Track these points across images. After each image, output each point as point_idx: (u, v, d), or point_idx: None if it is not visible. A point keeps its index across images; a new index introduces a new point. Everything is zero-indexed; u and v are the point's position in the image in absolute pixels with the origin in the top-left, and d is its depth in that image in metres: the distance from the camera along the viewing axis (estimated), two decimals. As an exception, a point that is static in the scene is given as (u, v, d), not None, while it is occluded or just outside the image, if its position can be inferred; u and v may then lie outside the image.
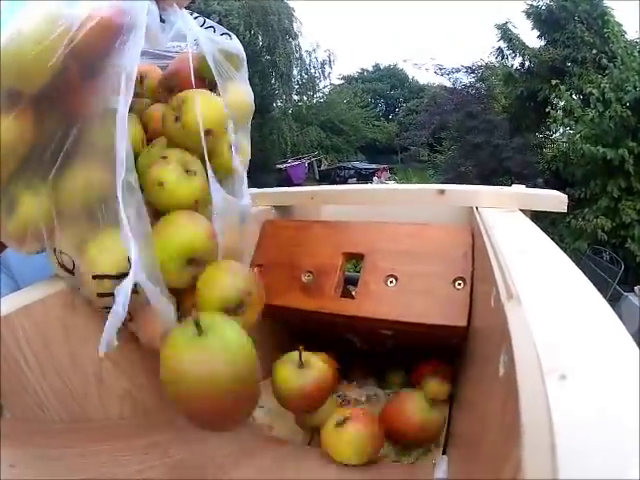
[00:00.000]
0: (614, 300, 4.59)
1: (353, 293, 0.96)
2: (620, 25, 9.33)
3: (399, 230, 0.96)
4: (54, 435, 0.66)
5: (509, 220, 0.86)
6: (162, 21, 0.69)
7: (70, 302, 0.70)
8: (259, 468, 0.75)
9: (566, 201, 0.95)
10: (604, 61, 8.16)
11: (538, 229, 0.77)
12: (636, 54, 8.30)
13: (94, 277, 0.64)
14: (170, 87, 0.79)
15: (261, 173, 12.13)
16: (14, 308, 0.64)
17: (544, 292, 0.46)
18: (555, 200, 0.96)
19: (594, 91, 7.47)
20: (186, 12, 0.75)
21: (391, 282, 0.90)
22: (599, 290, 0.44)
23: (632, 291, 4.40)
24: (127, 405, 0.78)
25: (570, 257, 0.56)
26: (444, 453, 0.79)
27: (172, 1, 0.71)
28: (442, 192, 1.01)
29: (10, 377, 0.63)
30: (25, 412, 0.65)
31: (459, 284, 0.86)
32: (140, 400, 0.80)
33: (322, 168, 20.83)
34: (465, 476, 0.57)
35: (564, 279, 0.51)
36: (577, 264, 0.53)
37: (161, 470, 0.67)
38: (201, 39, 0.75)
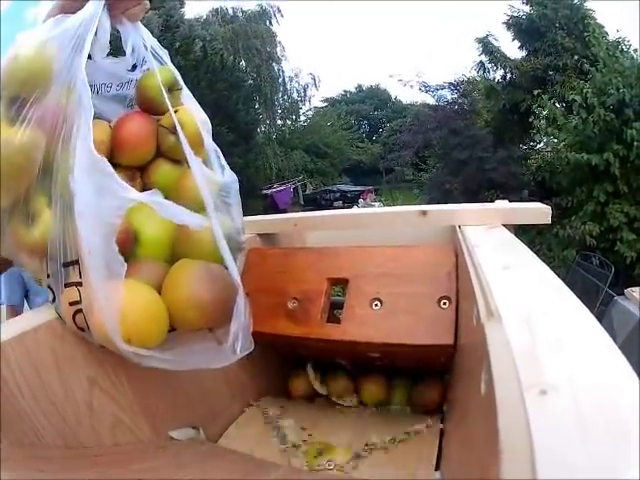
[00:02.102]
0: (606, 304, 4.59)
1: (340, 317, 0.96)
2: (601, 27, 9.42)
3: (383, 253, 0.97)
4: (49, 461, 0.66)
5: (492, 237, 0.86)
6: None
7: (60, 331, 0.71)
8: None
9: (550, 212, 0.95)
10: (586, 66, 8.20)
11: (521, 244, 0.77)
12: (618, 54, 8.38)
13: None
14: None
15: (246, 199, 12.04)
16: (7, 337, 0.65)
17: (525, 308, 0.46)
18: (538, 212, 0.96)
19: (576, 97, 7.53)
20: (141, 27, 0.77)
21: (376, 305, 0.90)
22: (590, 296, 0.44)
23: (622, 294, 4.39)
24: (120, 432, 0.78)
25: (559, 266, 0.56)
26: (437, 469, 0.78)
27: (122, 15, 0.73)
28: (424, 213, 1.01)
29: (5, 404, 0.63)
30: (21, 439, 0.65)
31: (444, 303, 0.86)
32: (132, 427, 0.80)
33: (307, 192, 20.88)
34: None
35: (547, 294, 0.51)
36: (566, 272, 0.53)
37: None
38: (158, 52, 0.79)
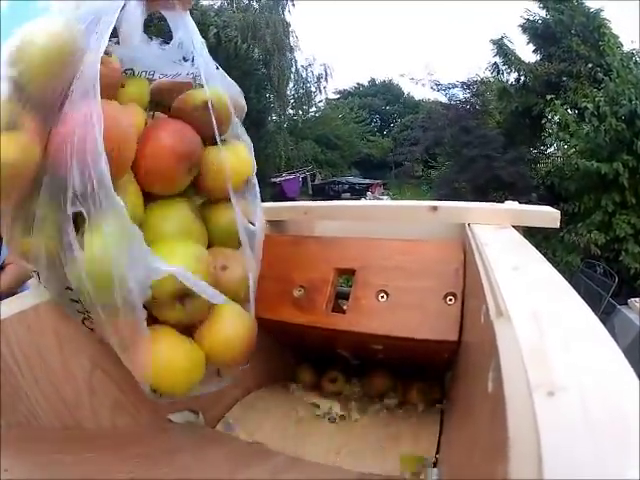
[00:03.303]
0: (608, 313, 4.58)
1: (345, 308, 0.96)
2: (616, 37, 9.30)
3: (391, 246, 0.96)
4: (47, 443, 0.66)
5: (501, 236, 0.86)
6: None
7: (63, 311, 0.71)
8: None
9: (559, 217, 0.95)
10: (599, 75, 8.13)
11: (530, 245, 0.77)
12: (632, 66, 8.32)
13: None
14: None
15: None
16: (7, 314, 0.65)
17: (534, 309, 0.46)
18: (548, 216, 0.96)
19: (589, 105, 7.48)
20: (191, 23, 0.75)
21: (382, 297, 0.90)
22: (593, 303, 0.45)
23: (626, 304, 4.39)
24: (119, 414, 0.78)
25: (563, 271, 0.56)
26: (435, 467, 0.78)
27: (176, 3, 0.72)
28: (434, 209, 1.01)
29: (3, 384, 0.63)
30: (18, 419, 0.66)
31: (450, 299, 0.85)
32: (132, 410, 0.80)
33: (316, 182, 20.81)
34: None
35: (555, 296, 0.51)
36: (570, 278, 0.53)
37: None
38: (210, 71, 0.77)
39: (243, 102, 0.87)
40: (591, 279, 5.85)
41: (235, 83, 0.84)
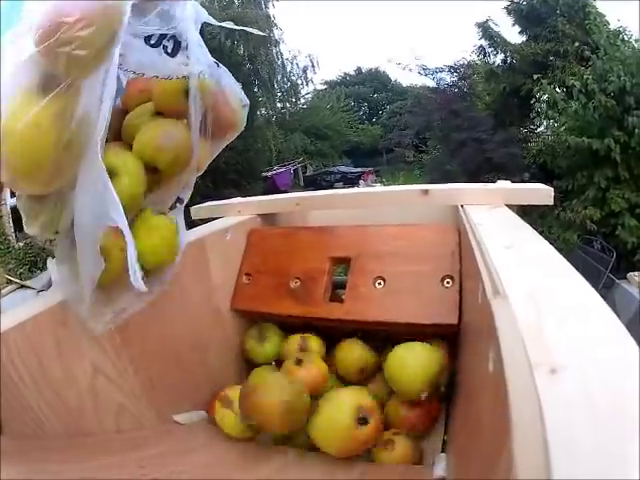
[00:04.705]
0: (607, 288, 4.59)
1: (342, 297, 0.96)
2: (602, 16, 9.30)
3: (385, 232, 0.96)
4: (52, 451, 0.66)
5: (495, 216, 0.86)
6: None
7: (62, 318, 0.71)
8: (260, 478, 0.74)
9: (552, 193, 0.95)
10: (587, 53, 8.11)
11: (525, 223, 0.77)
12: (619, 43, 8.32)
13: None
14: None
15: (247, 182, 12.11)
16: (7, 326, 0.64)
17: (531, 286, 0.45)
18: (541, 193, 0.96)
19: (576, 83, 7.47)
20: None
21: (379, 284, 0.90)
22: (592, 279, 0.44)
23: (625, 279, 4.40)
24: (123, 419, 0.78)
25: (560, 249, 0.55)
26: (443, 451, 0.78)
27: None
28: (426, 192, 1.00)
29: (6, 394, 0.63)
30: (23, 429, 0.65)
31: (447, 282, 0.85)
32: (136, 413, 0.80)
33: (307, 174, 20.76)
34: (462, 475, 0.57)
35: (552, 272, 0.50)
36: (568, 255, 0.52)
37: None
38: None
39: (245, 98, 0.86)
40: (589, 255, 5.86)
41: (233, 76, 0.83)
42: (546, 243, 0.62)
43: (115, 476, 0.65)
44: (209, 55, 0.77)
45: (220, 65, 0.79)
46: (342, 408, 0.75)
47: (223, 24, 0.81)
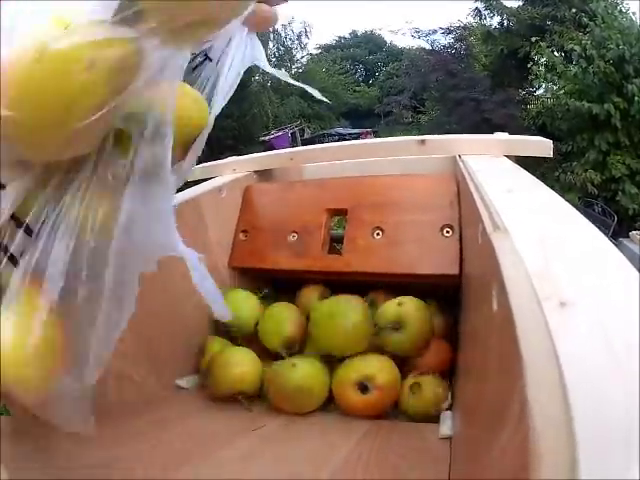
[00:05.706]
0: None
1: (341, 250, 0.95)
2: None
3: (382, 182, 0.95)
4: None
5: (494, 164, 0.85)
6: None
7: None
8: (242, 448, 0.74)
9: (551, 146, 0.94)
10: (584, 19, 8.08)
11: (525, 171, 0.75)
12: (617, 13, 8.28)
13: None
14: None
15: (245, 147, 12.10)
16: None
17: (532, 222, 0.44)
18: (540, 145, 0.95)
19: (576, 47, 7.47)
20: None
21: (378, 234, 0.89)
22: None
23: (628, 237, 4.42)
24: (125, 385, 0.77)
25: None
26: (449, 409, 0.77)
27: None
28: (423, 142, 0.99)
29: None
30: None
31: (447, 232, 0.84)
32: (137, 379, 0.79)
33: (305, 137, 20.65)
34: (469, 429, 0.55)
35: (555, 213, 0.49)
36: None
37: (162, 448, 0.68)
38: None
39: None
40: (590, 218, 5.86)
41: None
42: (548, 189, 0.61)
43: (117, 443, 0.65)
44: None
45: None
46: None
47: (277, 73, 0.67)
